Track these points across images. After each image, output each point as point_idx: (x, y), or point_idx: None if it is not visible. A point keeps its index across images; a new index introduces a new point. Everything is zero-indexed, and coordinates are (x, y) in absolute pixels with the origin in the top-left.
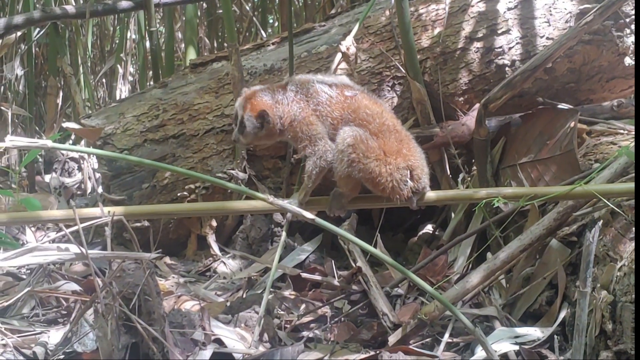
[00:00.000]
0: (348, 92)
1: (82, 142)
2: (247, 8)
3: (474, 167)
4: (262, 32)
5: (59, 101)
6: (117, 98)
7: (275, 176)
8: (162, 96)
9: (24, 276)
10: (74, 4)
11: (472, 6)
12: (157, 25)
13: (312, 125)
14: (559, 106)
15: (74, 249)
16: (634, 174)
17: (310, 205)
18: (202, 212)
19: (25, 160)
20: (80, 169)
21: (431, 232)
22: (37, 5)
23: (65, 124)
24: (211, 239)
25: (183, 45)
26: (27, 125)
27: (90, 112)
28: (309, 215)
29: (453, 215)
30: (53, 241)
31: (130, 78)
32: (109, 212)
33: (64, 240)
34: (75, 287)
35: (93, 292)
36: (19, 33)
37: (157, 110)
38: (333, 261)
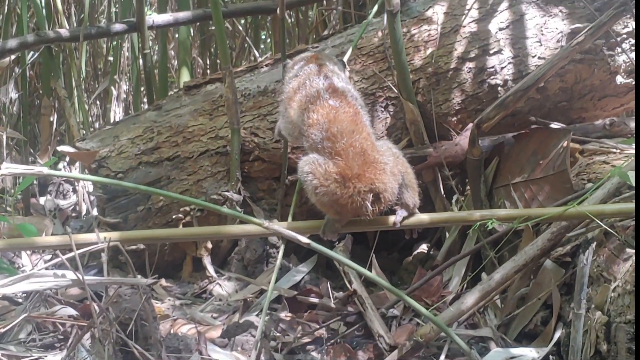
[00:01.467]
0: (333, 101)
1: (77, 165)
2: (240, 27)
3: (468, 187)
4: (255, 51)
5: (54, 122)
6: (111, 119)
7: (270, 197)
8: (156, 118)
9: (21, 300)
10: (67, 27)
11: (464, 27)
12: (151, 46)
13: (289, 109)
14: (552, 125)
15: (70, 275)
16: (627, 194)
17: (304, 229)
18: (197, 237)
19: (20, 186)
20: (75, 191)
21: (426, 251)
22: (31, 24)
23: (60, 148)
24: (207, 261)
25: (176, 63)
26: (22, 147)
27: (84, 134)
28: (304, 239)
29: (447, 234)
30: (48, 268)
31: (124, 95)
32: (104, 238)
33: (60, 265)
34: (72, 311)
35: (90, 317)
36: (12, 56)
37: (152, 133)
38: (329, 282)
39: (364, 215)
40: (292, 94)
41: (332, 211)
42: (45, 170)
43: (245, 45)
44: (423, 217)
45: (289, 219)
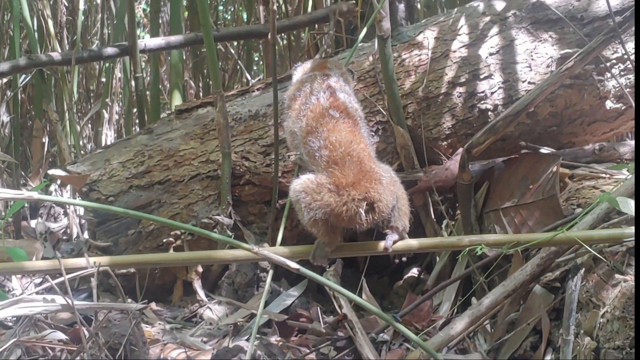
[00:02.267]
0: (334, 111)
1: (68, 188)
2: (232, 50)
3: (458, 211)
4: (247, 74)
5: (45, 144)
6: (103, 142)
7: (261, 221)
8: (147, 142)
9: (10, 324)
10: (59, 50)
11: (455, 52)
12: (143, 68)
13: (289, 118)
14: (542, 150)
15: (59, 299)
16: (616, 220)
17: (294, 254)
18: (187, 262)
19: (11, 210)
20: (66, 214)
21: (416, 275)
22: (24, 46)
23: (51, 171)
24: (197, 285)
25: (168, 85)
26: (13, 170)
27: (75, 157)
28: (293, 264)
29: (438, 259)
30: (39, 292)
31: (116, 116)
32: (94, 262)
33: (49, 289)
34: (61, 336)
35: (79, 342)
36: (4, 79)
37: (143, 157)
38: (319, 306)
39: (358, 224)
40: (293, 102)
41: (325, 229)
42: (35, 195)
43: (238, 67)
44: (412, 243)
45: (278, 243)
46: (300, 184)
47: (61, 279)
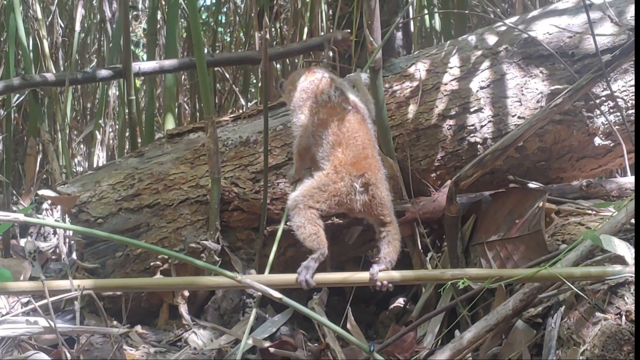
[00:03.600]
0: (345, 104)
1: (59, 208)
2: (227, 74)
3: (445, 243)
4: (241, 98)
5: (39, 161)
6: (95, 163)
7: (249, 247)
8: (138, 165)
9: None
10: (54, 71)
11: (446, 84)
12: (139, 87)
13: (300, 115)
14: (530, 185)
15: (43, 321)
16: (599, 257)
17: (278, 282)
18: (171, 287)
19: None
20: (55, 233)
21: (402, 305)
22: (20, 66)
23: (41, 192)
24: (183, 309)
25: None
26: (5, 189)
27: (67, 178)
28: (276, 294)
29: (424, 289)
30: (26, 313)
31: (111, 137)
32: (78, 286)
33: (34, 310)
34: (44, 357)
35: None
36: None
37: (133, 180)
38: (304, 333)
39: (352, 201)
40: (305, 100)
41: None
42: (22, 217)
43: (234, 89)
44: (394, 274)
45: (267, 271)
46: (298, 190)
47: (44, 301)
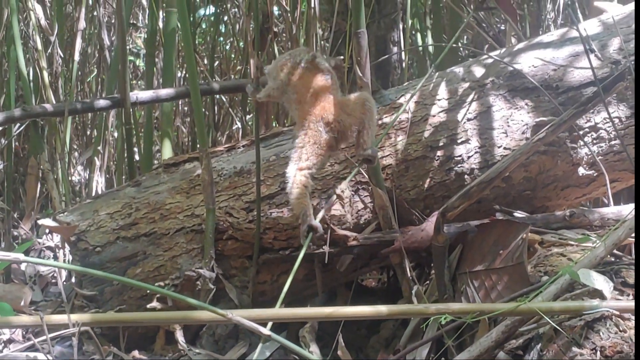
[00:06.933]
0: (312, 66)
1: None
2: (224, 99)
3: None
4: (237, 122)
5: (39, 182)
6: (94, 189)
7: (243, 275)
8: (135, 195)
9: None
10: (53, 101)
11: (434, 116)
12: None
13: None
14: (516, 214)
15: (41, 357)
16: (578, 291)
17: (268, 317)
18: (166, 322)
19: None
20: (56, 257)
21: (392, 329)
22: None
23: (41, 221)
24: (179, 335)
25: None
26: (6, 216)
27: (66, 206)
28: (265, 331)
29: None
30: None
31: (112, 150)
32: (76, 322)
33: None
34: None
35: None
36: None
37: (130, 209)
38: (296, 358)
39: (331, 142)
40: (282, 65)
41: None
42: (22, 257)
43: (231, 113)
44: (381, 309)
45: (278, 304)
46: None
47: (43, 337)
